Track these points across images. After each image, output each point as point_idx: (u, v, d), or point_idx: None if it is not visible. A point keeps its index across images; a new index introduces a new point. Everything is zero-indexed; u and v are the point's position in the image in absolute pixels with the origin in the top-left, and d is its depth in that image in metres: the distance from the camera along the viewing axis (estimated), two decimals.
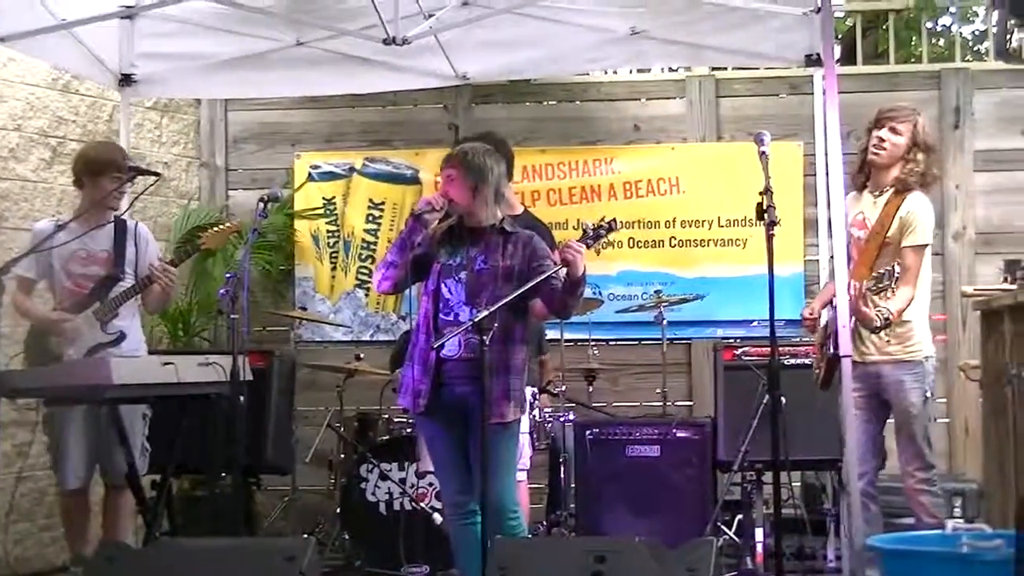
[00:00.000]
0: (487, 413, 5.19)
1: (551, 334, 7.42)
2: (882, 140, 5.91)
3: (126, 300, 6.41)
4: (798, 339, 7.23)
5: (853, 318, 5.72)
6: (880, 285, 5.66)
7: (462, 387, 5.31)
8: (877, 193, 5.98)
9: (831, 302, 5.98)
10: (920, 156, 5.90)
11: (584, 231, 5.30)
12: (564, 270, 5.18)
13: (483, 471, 5.12)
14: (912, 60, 11.25)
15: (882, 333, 5.76)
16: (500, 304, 5.15)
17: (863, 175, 6.05)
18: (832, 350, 5.87)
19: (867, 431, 5.97)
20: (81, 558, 6.18)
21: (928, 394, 5.89)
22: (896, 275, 5.61)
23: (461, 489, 5.43)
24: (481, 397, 5.12)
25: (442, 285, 5.43)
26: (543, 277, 5.24)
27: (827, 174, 5.95)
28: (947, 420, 8.36)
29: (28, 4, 6.71)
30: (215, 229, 6.55)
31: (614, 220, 5.41)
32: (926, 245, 5.89)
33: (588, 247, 5.24)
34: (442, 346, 5.31)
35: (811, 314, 6.11)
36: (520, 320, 5.43)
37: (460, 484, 5.43)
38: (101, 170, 6.39)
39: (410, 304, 8.14)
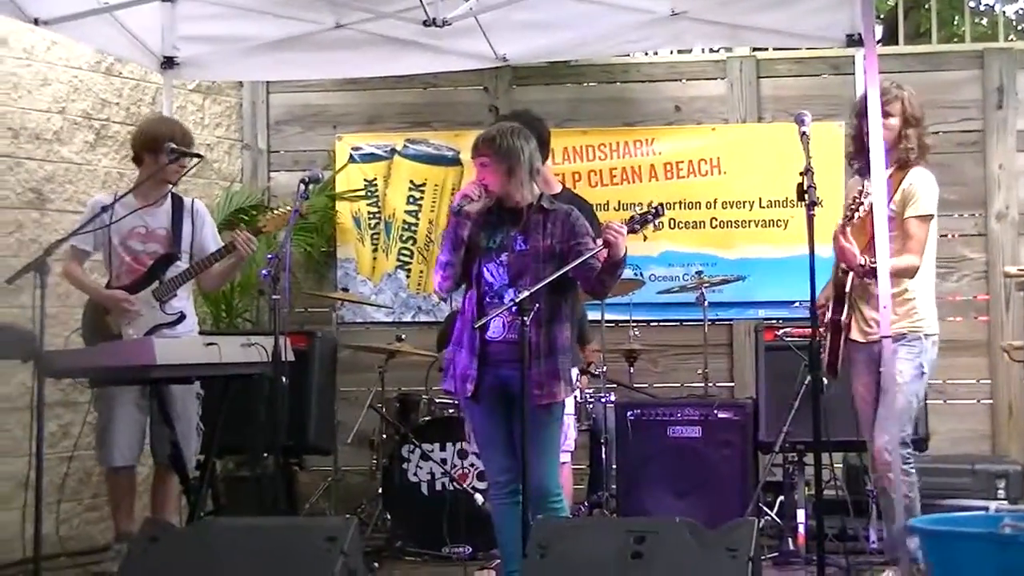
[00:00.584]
0: (536, 394, 5.23)
1: (592, 315, 7.41)
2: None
3: (186, 281, 6.46)
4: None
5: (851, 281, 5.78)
6: (852, 207, 5.71)
7: (507, 369, 5.30)
8: None
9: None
10: (911, 132, 5.96)
11: (631, 218, 5.31)
12: (605, 251, 5.19)
13: (524, 453, 5.14)
14: (955, 39, 11.17)
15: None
16: (541, 285, 5.16)
17: (862, 158, 6.03)
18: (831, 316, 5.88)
19: None
20: (125, 536, 6.24)
21: (923, 370, 5.86)
22: (867, 195, 5.67)
23: (504, 468, 5.44)
24: (522, 377, 5.13)
25: (484, 269, 5.42)
26: (584, 259, 5.24)
27: (869, 154, 5.91)
28: (990, 401, 8.33)
29: None
30: (274, 212, 6.55)
31: (661, 206, 5.45)
32: (930, 216, 5.91)
33: (635, 231, 5.26)
34: (485, 327, 5.33)
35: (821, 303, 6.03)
36: (564, 299, 5.43)
37: (504, 464, 5.44)
38: (161, 146, 6.41)
39: None
